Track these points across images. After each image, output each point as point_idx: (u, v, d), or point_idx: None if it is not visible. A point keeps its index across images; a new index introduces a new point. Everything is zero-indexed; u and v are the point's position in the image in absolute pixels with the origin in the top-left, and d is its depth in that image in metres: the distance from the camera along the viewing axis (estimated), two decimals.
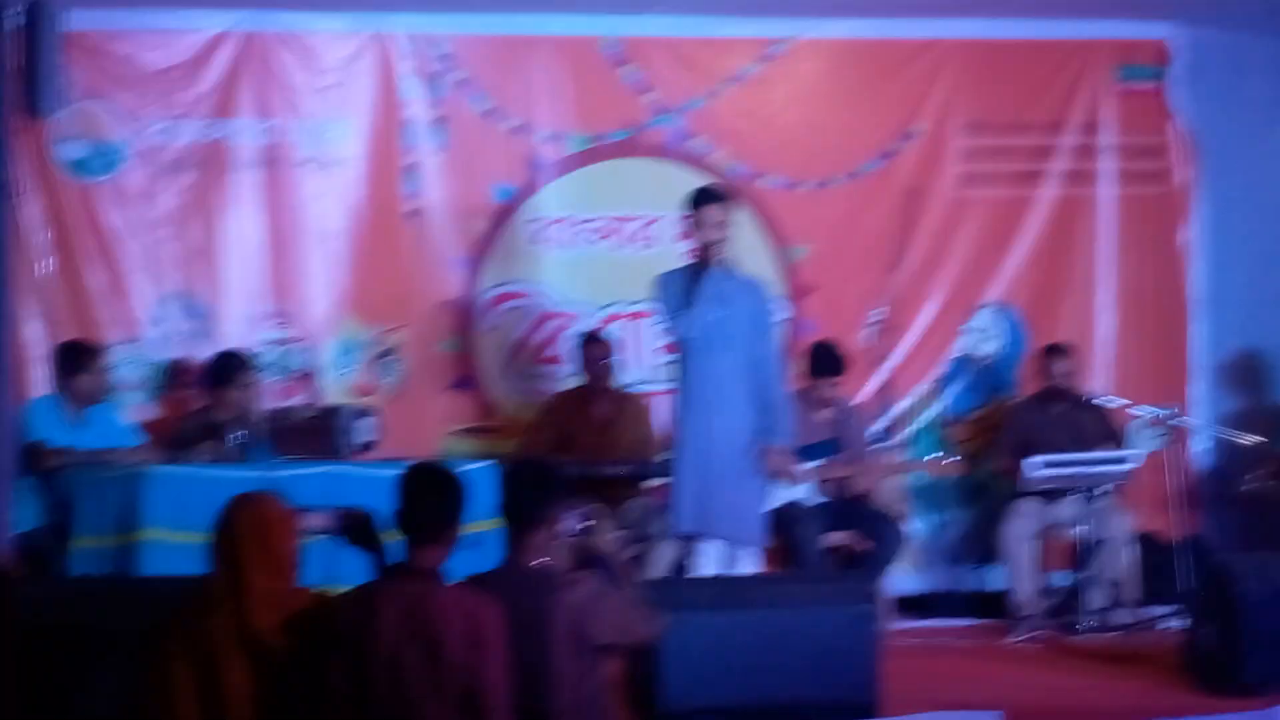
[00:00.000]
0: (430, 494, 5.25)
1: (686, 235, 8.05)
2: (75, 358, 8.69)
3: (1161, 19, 10.31)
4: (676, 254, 9.58)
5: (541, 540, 5.49)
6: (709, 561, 7.89)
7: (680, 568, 8.37)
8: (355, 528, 5.43)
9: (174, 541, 7.01)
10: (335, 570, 6.68)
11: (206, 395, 8.95)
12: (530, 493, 5.52)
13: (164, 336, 9.55)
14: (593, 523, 5.74)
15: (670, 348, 8.22)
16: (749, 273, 8.17)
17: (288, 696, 5.09)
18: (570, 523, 5.68)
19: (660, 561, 8.73)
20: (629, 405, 9.55)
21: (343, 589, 5.32)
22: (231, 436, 7.95)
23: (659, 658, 6.30)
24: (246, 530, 5.18)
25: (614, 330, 9.81)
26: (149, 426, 9.25)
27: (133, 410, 9.34)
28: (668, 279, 8.04)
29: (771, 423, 8.01)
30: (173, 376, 9.51)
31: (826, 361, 9.34)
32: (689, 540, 8.00)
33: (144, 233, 9.56)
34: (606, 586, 5.47)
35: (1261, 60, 10.42)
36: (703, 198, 8.01)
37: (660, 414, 9.62)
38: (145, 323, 9.54)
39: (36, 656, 5.93)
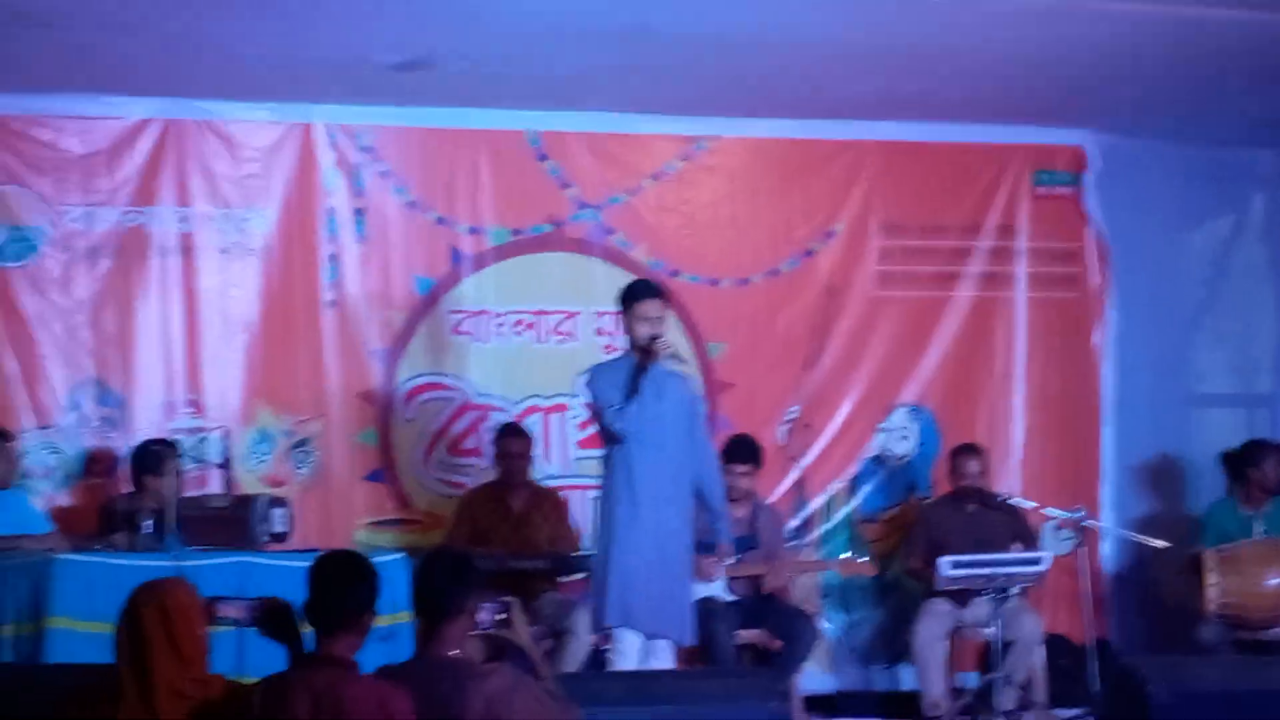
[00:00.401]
0: (342, 582, 5.21)
1: (625, 330, 7.99)
2: None
3: (1077, 126, 10.45)
4: (595, 348, 9.68)
5: (456, 631, 5.45)
6: (626, 656, 7.85)
7: (596, 662, 8.33)
8: (271, 618, 5.38)
9: (82, 631, 6.93)
10: (246, 660, 6.68)
11: (132, 483, 8.88)
12: (445, 583, 5.48)
13: (77, 424, 9.48)
14: (508, 615, 5.68)
15: (601, 441, 8.11)
16: (678, 368, 8.16)
17: None
18: (485, 614, 5.64)
19: (575, 655, 8.70)
20: (546, 499, 9.53)
21: (253, 680, 5.26)
22: (143, 525, 7.85)
23: None
24: (153, 618, 5.10)
25: (531, 423, 9.79)
26: (61, 514, 9.19)
27: (44, 497, 9.27)
28: (604, 371, 8.02)
29: (719, 522, 8.15)
30: (87, 464, 9.44)
31: (741, 450, 9.36)
32: (609, 633, 7.94)
33: (59, 319, 9.51)
34: (521, 678, 5.44)
35: (1170, 168, 10.60)
36: (642, 292, 8.01)
37: (577, 508, 9.64)
38: (58, 410, 9.47)
39: None
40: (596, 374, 8.04)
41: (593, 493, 9.40)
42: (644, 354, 7.83)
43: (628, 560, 7.77)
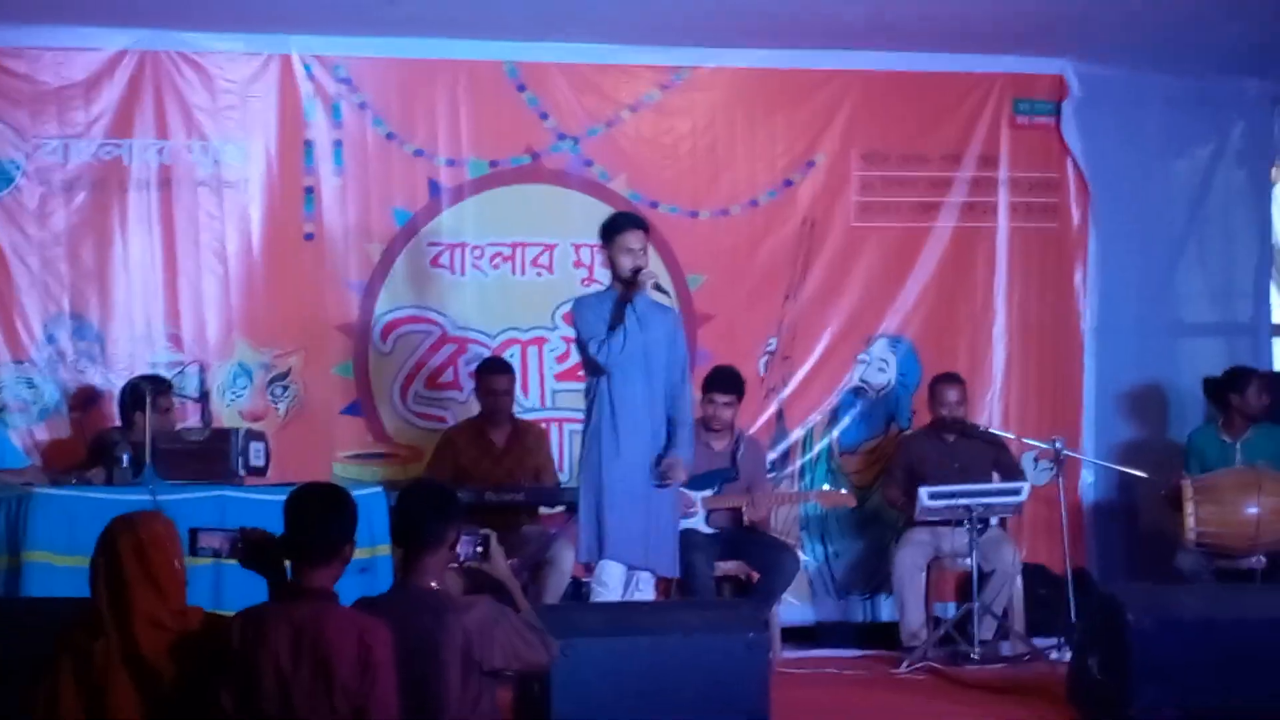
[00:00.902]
0: (319, 514, 5.19)
1: (606, 262, 7.99)
2: None
3: (1058, 55, 10.40)
4: (573, 280, 9.67)
5: (435, 563, 5.46)
6: (610, 588, 7.85)
7: (577, 594, 8.33)
8: (253, 549, 5.36)
9: (59, 564, 6.93)
10: (223, 594, 6.69)
11: (119, 419, 8.86)
12: (424, 514, 5.47)
13: (53, 358, 9.45)
14: (486, 547, 5.67)
15: (585, 373, 8.11)
16: (661, 299, 8.16)
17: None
18: (465, 547, 5.63)
19: (555, 588, 8.70)
20: (529, 432, 9.48)
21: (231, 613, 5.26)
22: (121, 459, 7.84)
23: (551, 683, 6.28)
24: (128, 551, 5.08)
25: (510, 356, 9.77)
26: (40, 448, 9.22)
27: (20, 432, 9.25)
28: (588, 303, 8.02)
29: (679, 437, 8.03)
30: (69, 399, 9.42)
31: (723, 381, 9.33)
32: (591, 566, 7.96)
33: (35, 253, 9.47)
34: (501, 610, 5.44)
35: (1151, 96, 10.57)
36: (624, 223, 7.99)
37: (555, 441, 9.65)
38: (34, 344, 9.44)
39: None
40: (580, 306, 8.03)
41: (571, 426, 9.45)
42: (627, 286, 7.82)
43: (612, 493, 7.77)
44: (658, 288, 7.90)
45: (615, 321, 7.78)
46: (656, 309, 7.94)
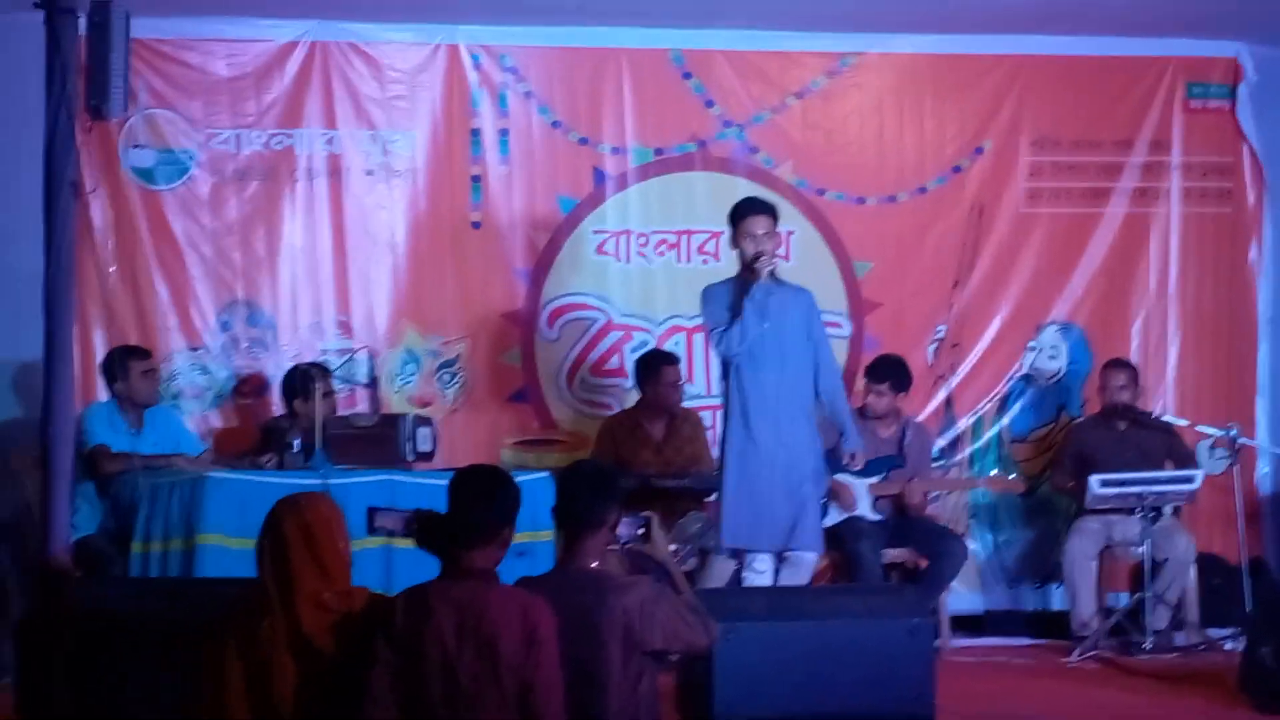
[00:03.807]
0: (480, 495, 5.20)
1: (734, 247, 8.02)
2: (124, 361, 8.62)
3: (1233, 37, 10.23)
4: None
5: (597, 543, 5.47)
6: (761, 575, 7.86)
7: (739, 580, 8.34)
8: (427, 529, 5.39)
9: (232, 546, 7.03)
10: (394, 576, 6.76)
11: (284, 405, 9.02)
12: (587, 495, 5.49)
13: (227, 345, 9.60)
14: (647, 529, 5.68)
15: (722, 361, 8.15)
16: (794, 283, 8.16)
17: (338, 700, 5.05)
18: (626, 530, 5.64)
19: (719, 573, 8.70)
20: (686, 421, 9.48)
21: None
22: (291, 444, 7.95)
23: (712, 666, 6.27)
24: (293, 532, 5.12)
25: (675, 344, 9.80)
26: (215, 434, 9.36)
27: (196, 417, 9.41)
28: (714, 291, 8.05)
29: (845, 430, 8.10)
30: (236, 385, 9.56)
31: (889, 371, 9.29)
32: (737, 554, 7.99)
33: (208, 241, 9.62)
34: (662, 591, 5.44)
35: None
36: (747, 209, 8.00)
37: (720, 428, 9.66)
38: (208, 331, 9.59)
39: (91, 654, 5.96)
40: (706, 294, 8.08)
41: None
42: (748, 273, 7.81)
43: (742, 482, 7.83)
44: (772, 275, 7.85)
45: (734, 311, 7.78)
46: (784, 294, 7.94)
